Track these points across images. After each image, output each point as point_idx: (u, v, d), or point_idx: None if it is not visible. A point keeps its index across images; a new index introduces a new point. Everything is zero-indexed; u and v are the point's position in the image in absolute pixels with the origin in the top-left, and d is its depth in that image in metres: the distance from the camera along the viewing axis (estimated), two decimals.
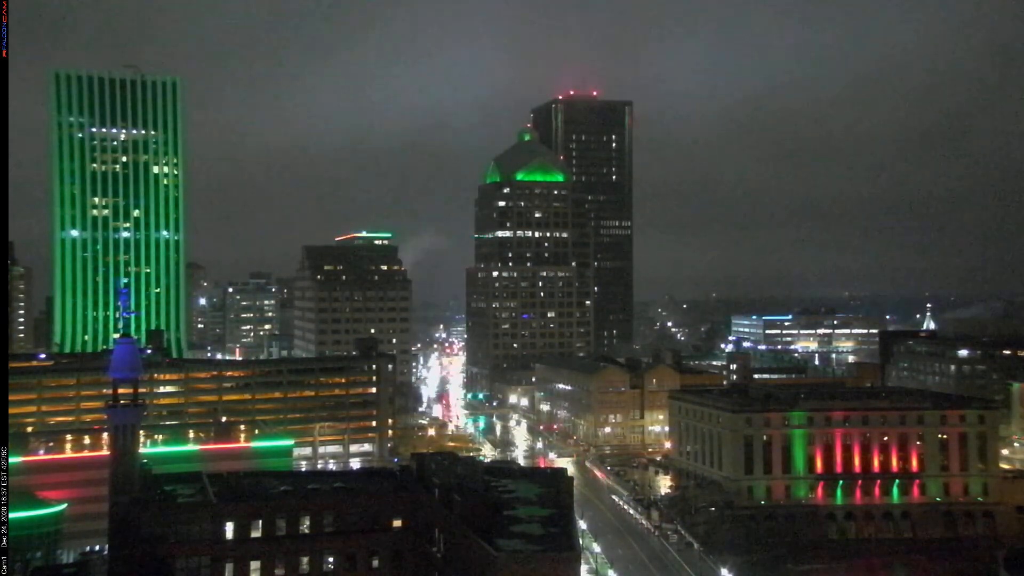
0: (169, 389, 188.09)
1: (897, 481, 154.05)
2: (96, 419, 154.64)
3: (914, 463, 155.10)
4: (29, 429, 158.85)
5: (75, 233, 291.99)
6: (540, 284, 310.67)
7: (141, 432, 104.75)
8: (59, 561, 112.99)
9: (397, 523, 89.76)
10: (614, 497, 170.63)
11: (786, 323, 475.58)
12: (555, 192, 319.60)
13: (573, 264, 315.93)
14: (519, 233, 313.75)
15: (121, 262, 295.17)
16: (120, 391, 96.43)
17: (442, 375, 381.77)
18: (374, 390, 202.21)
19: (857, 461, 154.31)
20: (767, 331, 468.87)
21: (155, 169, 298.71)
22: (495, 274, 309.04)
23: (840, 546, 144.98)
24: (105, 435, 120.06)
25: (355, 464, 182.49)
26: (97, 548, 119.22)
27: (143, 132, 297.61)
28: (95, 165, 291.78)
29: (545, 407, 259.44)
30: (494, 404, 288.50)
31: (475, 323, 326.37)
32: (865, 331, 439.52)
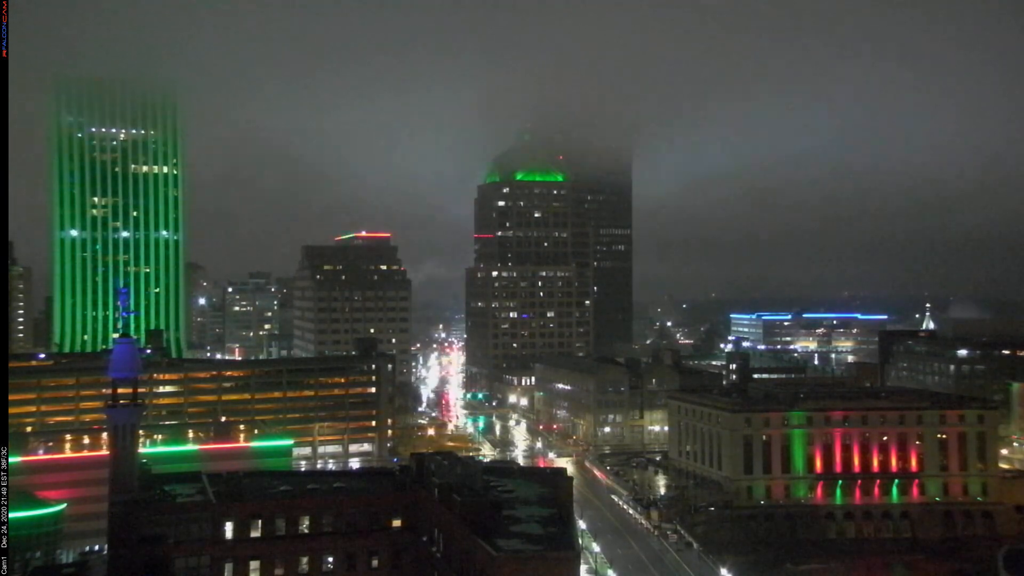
0: (169, 389, 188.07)
1: (896, 481, 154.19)
2: (96, 419, 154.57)
3: (913, 463, 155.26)
4: (29, 429, 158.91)
5: (74, 233, 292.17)
6: (540, 284, 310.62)
7: (141, 432, 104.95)
8: (59, 561, 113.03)
9: (397, 523, 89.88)
10: (614, 497, 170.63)
11: (786, 323, 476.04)
12: (555, 192, 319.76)
13: (573, 264, 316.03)
14: (519, 233, 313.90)
15: (121, 262, 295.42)
16: (119, 391, 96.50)
17: (441, 375, 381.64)
18: (374, 390, 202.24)
19: (856, 461, 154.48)
20: (767, 331, 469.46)
21: (155, 169, 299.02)
22: (495, 274, 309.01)
23: (839, 546, 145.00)
24: (105, 435, 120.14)
25: (354, 464, 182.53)
26: (97, 548, 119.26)
27: (143, 132, 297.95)
28: (95, 165, 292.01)
29: (545, 407, 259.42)
30: (494, 404, 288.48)
31: (475, 323, 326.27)
32: (864, 331, 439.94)
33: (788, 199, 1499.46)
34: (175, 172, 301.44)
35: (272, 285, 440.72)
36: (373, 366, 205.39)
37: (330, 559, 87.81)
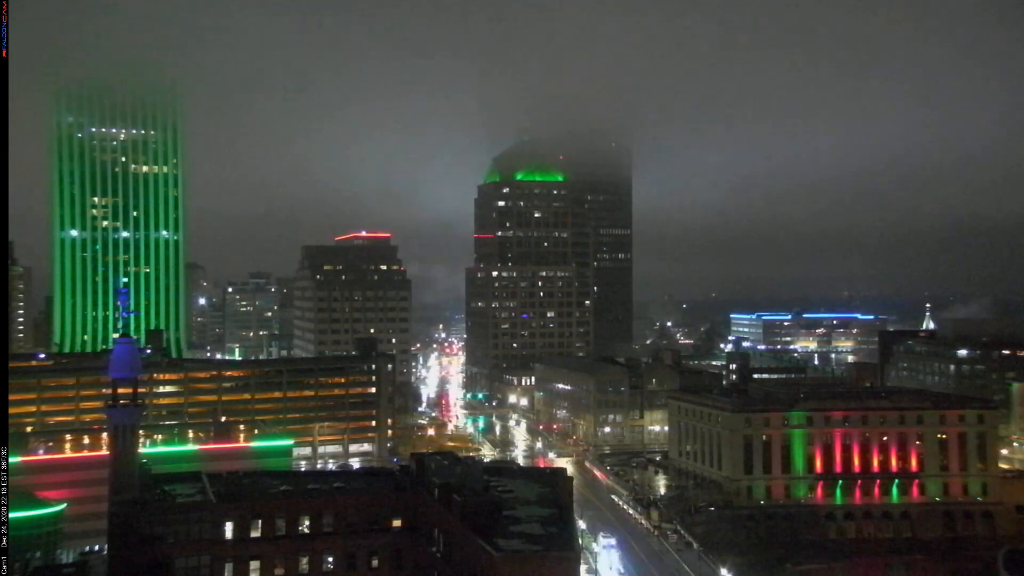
0: (169, 389, 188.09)
1: (896, 481, 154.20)
2: (96, 419, 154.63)
3: (913, 463, 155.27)
4: (29, 429, 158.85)
5: (75, 233, 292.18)
6: (540, 284, 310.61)
7: (141, 432, 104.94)
8: (59, 561, 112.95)
9: (397, 523, 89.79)
10: (614, 497, 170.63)
11: (786, 323, 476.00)
12: (555, 192, 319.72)
13: (573, 264, 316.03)
14: (519, 233, 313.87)
15: (121, 262, 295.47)
16: (120, 391, 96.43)
17: (441, 375, 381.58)
18: (374, 390, 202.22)
19: (856, 461, 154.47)
20: (767, 331, 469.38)
21: (155, 169, 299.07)
22: (495, 274, 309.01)
23: (839, 546, 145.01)
24: (105, 435, 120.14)
25: (354, 464, 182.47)
26: (97, 548, 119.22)
27: (143, 132, 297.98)
28: (95, 165, 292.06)
29: (545, 407, 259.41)
30: (494, 404, 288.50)
31: (475, 323, 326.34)
32: (864, 331, 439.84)
33: (788, 199, 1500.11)
34: (175, 172, 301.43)
35: (272, 285, 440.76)
36: (373, 366, 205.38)
37: (330, 559, 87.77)
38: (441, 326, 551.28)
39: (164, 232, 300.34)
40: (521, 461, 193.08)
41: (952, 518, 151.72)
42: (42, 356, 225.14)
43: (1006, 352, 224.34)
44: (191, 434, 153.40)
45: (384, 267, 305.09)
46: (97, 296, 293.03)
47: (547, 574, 71.90)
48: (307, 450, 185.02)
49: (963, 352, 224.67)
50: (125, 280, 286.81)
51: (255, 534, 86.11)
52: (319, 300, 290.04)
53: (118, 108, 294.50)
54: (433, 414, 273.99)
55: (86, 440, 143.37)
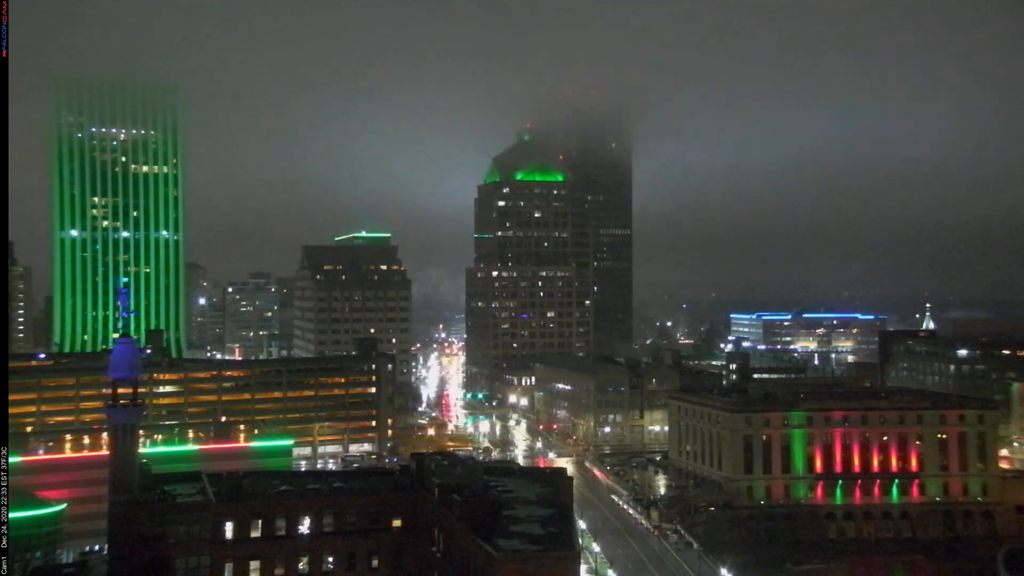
0: (169, 389, 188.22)
1: (896, 481, 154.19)
2: (96, 419, 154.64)
3: (913, 463, 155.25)
4: (29, 429, 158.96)
5: (74, 233, 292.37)
6: (540, 284, 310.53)
7: (141, 432, 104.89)
8: (59, 561, 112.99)
9: (397, 523, 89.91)
10: (614, 497, 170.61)
11: (786, 323, 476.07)
12: (555, 192, 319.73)
13: (573, 264, 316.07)
14: (519, 233, 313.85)
15: (121, 262, 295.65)
16: (120, 391, 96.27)
17: (441, 375, 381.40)
18: (374, 390, 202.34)
19: (856, 461, 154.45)
20: (767, 331, 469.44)
21: (154, 169, 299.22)
22: (495, 274, 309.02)
23: (840, 546, 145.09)
24: (105, 435, 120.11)
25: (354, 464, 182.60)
26: (97, 548, 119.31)
27: (142, 132, 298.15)
28: (95, 165, 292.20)
29: (545, 407, 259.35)
30: (494, 404, 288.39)
31: (475, 323, 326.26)
32: (864, 331, 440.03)
33: (788, 199, 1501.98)
34: (175, 172, 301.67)
35: (272, 285, 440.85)
36: (373, 366, 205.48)
37: (330, 559, 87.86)
38: (441, 326, 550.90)
39: (164, 232, 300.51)
40: (521, 461, 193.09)
41: (952, 518, 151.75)
42: (42, 356, 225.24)
43: (1006, 352, 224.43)
44: (191, 434, 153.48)
45: (384, 267, 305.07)
46: (97, 296, 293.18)
47: (547, 574, 71.95)
48: (307, 450, 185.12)
49: (963, 352, 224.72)
50: (125, 280, 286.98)
51: (255, 534, 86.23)
52: (319, 300, 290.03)
53: (118, 108, 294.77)
54: (433, 414, 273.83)
55: (86, 440, 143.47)
